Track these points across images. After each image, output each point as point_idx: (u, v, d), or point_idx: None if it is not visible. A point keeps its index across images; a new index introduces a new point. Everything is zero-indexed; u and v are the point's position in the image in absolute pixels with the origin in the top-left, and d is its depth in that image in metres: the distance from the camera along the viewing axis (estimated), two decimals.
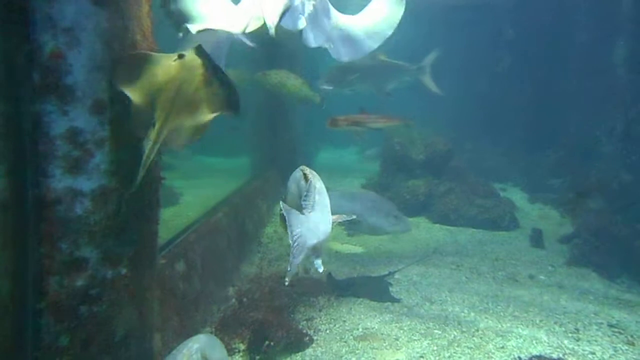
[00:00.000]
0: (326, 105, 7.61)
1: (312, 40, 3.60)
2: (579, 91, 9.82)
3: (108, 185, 2.28)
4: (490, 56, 12.01)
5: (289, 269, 2.49)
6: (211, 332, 4.10)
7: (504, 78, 11.51)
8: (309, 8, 3.39)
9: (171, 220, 5.72)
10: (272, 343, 3.91)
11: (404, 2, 3.93)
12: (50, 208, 2.21)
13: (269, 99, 9.39)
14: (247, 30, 3.12)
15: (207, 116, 2.44)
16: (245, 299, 4.72)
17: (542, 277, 6.04)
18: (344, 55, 3.90)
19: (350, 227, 6.23)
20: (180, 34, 3.09)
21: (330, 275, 5.49)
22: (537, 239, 7.26)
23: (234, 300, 4.81)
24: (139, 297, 2.51)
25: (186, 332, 3.65)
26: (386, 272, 5.75)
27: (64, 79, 2.18)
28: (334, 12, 3.89)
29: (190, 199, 7.90)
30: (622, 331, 4.63)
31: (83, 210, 2.24)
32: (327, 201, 2.91)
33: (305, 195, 2.76)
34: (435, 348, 4.20)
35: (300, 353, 4.07)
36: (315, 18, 3.55)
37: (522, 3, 11.02)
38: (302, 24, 3.31)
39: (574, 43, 9.98)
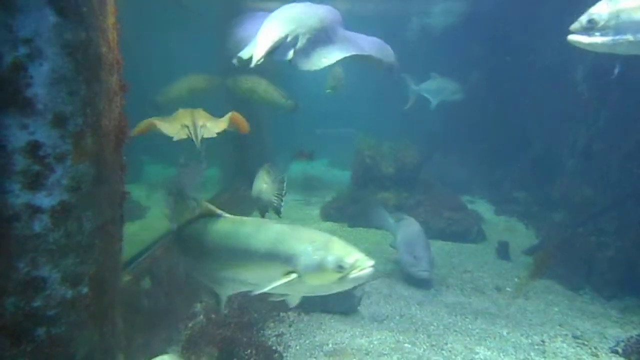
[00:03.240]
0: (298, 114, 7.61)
1: (301, 65, 3.94)
2: (543, 106, 10.11)
3: (69, 201, 2.20)
4: (459, 71, 12.26)
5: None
6: (178, 351, 4.00)
7: (472, 92, 11.76)
8: (302, 42, 3.75)
9: (137, 234, 5.58)
10: None
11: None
12: (6, 225, 2.11)
13: (240, 112, 9.32)
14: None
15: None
16: (213, 316, 4.63)
17: (508, 289, 6.15)
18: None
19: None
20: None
21: None
22: (503, 251, 7.40)
23: (201, 316, 4.71)
24: (100, 317, 2.42)
25: (151, 352, 3.54)
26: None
27: (24, 91, 2.10)
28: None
29: (158, 212, 7.70)
30: (586, 342, 4.74)
31: (42, 227, 2.15)
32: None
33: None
34: None
35: None
36: (309, 48, 3.85)
37: (490, 18, 11.31)
38: (289, 55, 3.76)
39: (540, 59, 10.28)
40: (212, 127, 4.44)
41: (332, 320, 4.95)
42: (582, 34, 3.27)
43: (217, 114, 4.88)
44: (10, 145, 2.10)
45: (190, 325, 4.57)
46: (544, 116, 9.94)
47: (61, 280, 2.20)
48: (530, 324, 5.11)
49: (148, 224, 6.82)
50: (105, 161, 2.41)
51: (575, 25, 3.29)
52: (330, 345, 4.46)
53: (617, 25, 3.11)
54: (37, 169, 2.13)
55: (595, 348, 4.65)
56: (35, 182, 2.14)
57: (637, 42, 3.11)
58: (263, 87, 7.20)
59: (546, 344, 4.69)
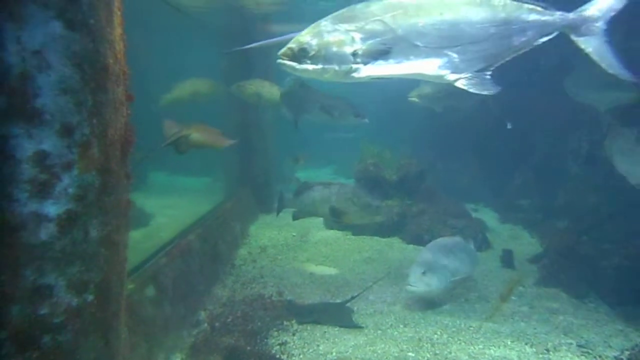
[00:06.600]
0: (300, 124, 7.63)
1: None
2: (546, 113, 10.10)
3: (75, 210, 2.23)
4: None
5: None
6: (182, 359, 4.01)
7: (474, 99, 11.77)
8: None
9: (142, 242, 5.61)
10: None
11: None
12: (13, 233, 2.14)
13: (244, 119, 9.40)
14: None
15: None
16: (217, 324, 4.65)
17: (513, 297, 6.12)
18: None
19: None
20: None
21: (290, 302, 5.45)
22: (507, 259, 7.38)
23: (205, 324, 4.72)
24: (105, 325, 2.44)
25: None
26: (355, 294, 5.71)
27: (32, 101, 2.14)
28: None
29: (162, 220, 7.78)
30: (590, 351, 4.71)
31: (48, 235, 2.18)
32: None
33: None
34: None
35: None
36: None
37: None
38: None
39: (541, 66, 10.30)
40: (195, 138, 5.06)
41: (336, 329, 4.95)
42: (293, 61, 3.46)
43: (218, 119, 5.05)
44: (18, 155, 2.13)
45: (194, 333, 4.58)
46: (546, 122, 9.93)
47: (67, 288, 2.23)
48: (534, 333, 5.08)
49: (152, 232, 6.86)
50: (111, 170, 2.44)
51: (285, 52, 3.48)
52: (333, 354, 4.45)
53: (325, 56, 3.41)
54: (44, 178, 2.17)
55: (600, 357, 4.62)
56: (42, 191, 2.17)
57: (341, 71, 3.45)
58: (267, 89, 7.25)
59: (550, 352, 4.66)
